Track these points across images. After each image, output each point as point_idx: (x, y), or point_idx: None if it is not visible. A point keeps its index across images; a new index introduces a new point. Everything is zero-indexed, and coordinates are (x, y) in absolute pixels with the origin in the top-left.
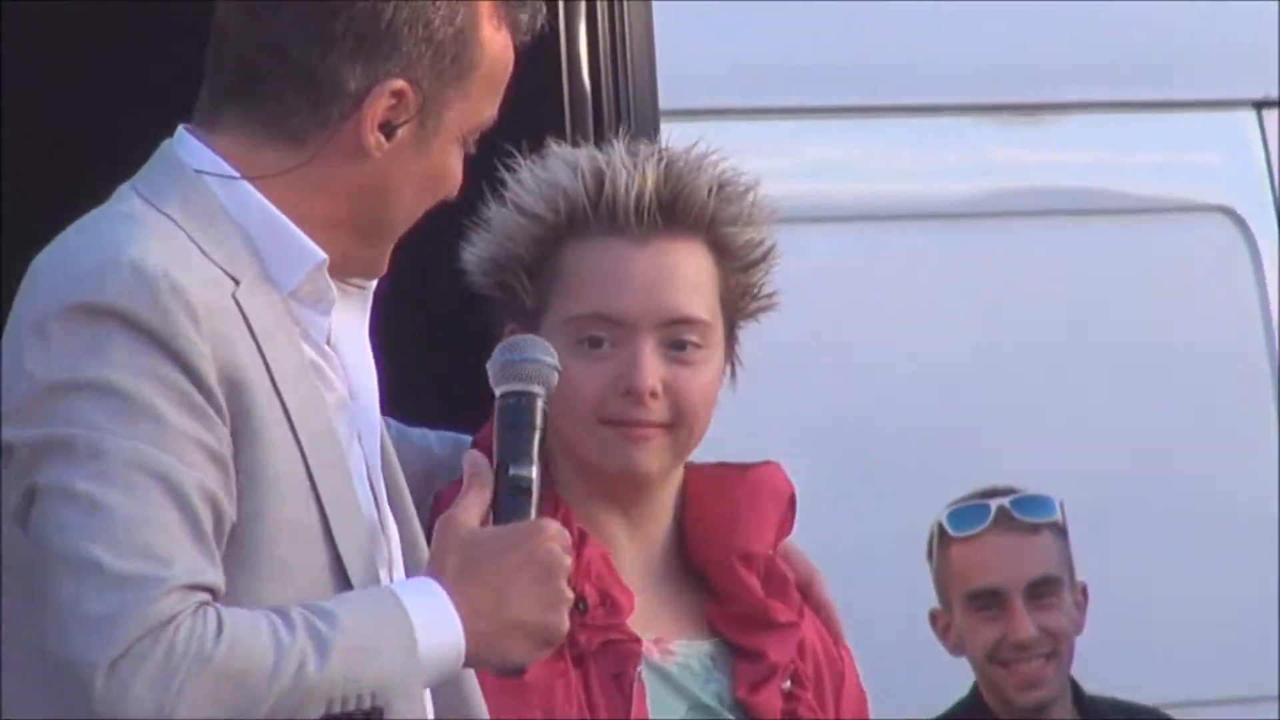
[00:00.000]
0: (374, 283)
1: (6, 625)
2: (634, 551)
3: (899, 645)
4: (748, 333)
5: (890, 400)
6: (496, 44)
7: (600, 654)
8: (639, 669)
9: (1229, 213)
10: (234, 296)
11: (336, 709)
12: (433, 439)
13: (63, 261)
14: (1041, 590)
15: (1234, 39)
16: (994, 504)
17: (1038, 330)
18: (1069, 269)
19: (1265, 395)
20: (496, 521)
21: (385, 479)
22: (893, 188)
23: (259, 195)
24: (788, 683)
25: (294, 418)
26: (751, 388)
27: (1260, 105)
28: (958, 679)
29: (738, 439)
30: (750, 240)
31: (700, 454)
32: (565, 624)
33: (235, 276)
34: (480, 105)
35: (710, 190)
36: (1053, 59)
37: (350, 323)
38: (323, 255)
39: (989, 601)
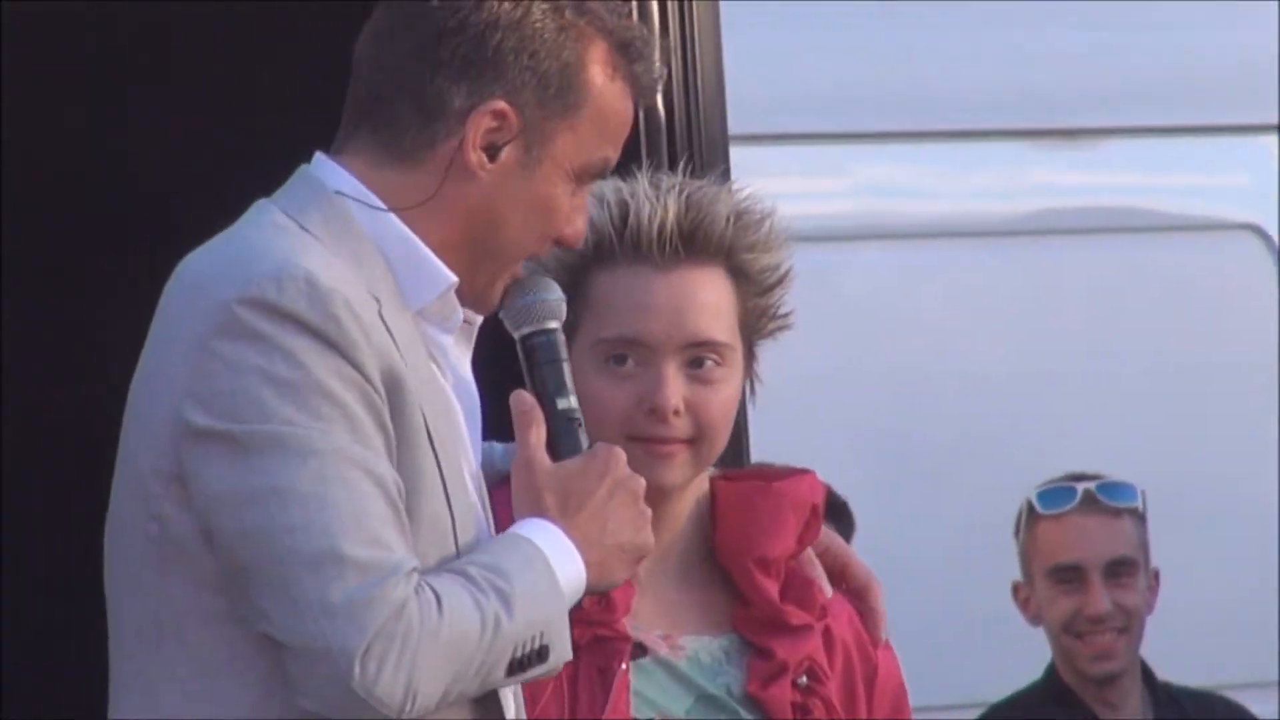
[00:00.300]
0: (480, 319)
1: (157, 607)
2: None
3: (940, 630)
4: (804, 342)
5: (936, 404)
6: (609, 90)
7: (589, 649)
8: (624, 665)
9: (1255, 229)
10: (380, 314)
11: (519, 653)
12: (498, 450)
13: (229, 263)
14: (1119, 570)
15: (1259, 68)
16: (1081, 487)
17: (1077, 340)
18: (1106, 283)
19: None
20: (555, 454)
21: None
22: (942, 207)
23: (397, 220)
24: (803, 679)
25: (430, 425)
26: (807, 393)
27: None
28: (995, 657)
29: (796, 442)
30: (767, 265)
31: (761, 456)
32: (652, 540)
33: (376, 296)
34: (590, 144)
35: (729, 219)
36: (1090, 86)
37: (458, 353)
38: (454, 278)
39: (1069, 576)
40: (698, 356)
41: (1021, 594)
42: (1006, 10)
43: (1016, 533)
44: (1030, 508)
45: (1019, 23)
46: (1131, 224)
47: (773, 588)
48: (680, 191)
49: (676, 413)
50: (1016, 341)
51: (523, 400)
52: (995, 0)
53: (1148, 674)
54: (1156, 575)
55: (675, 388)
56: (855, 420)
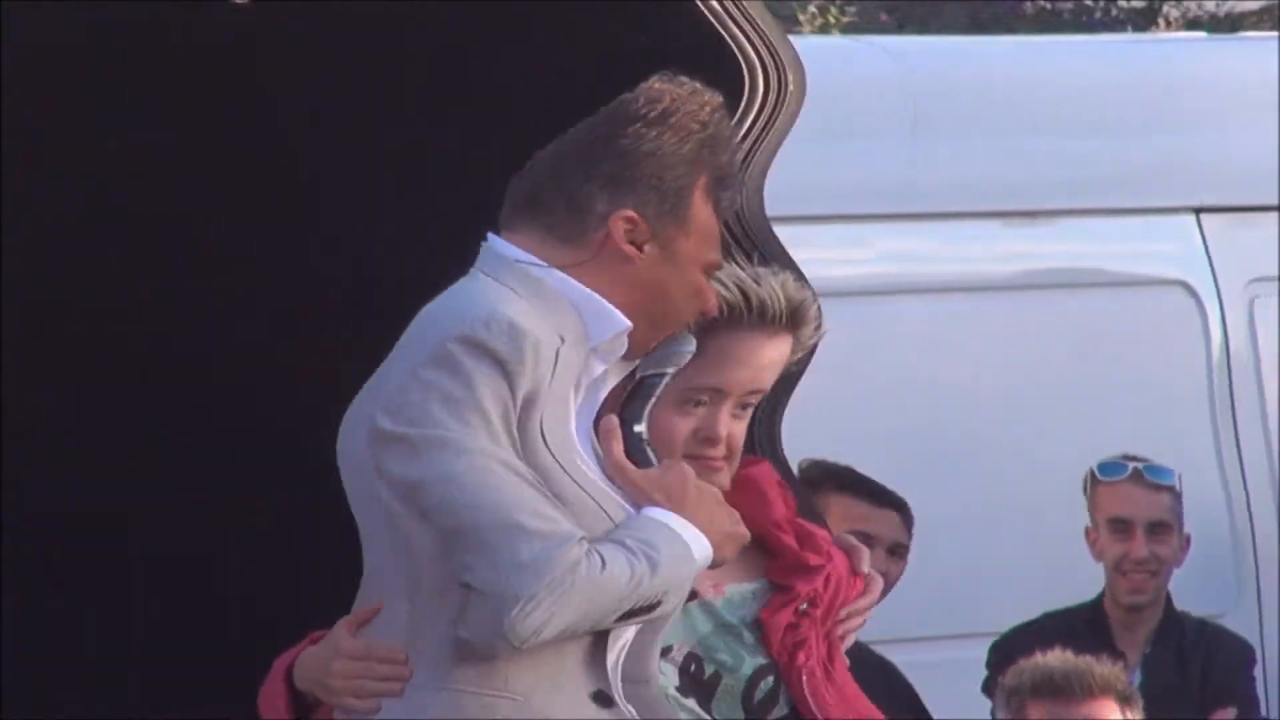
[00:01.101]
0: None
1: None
2: None
3: (959, 573)
4: (862, 367)
5: (950, 414)
6: (703, 212)
7: None
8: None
9: (1184, 285)
10: (558, 351)
11: (645, 603)
12: None
13: (456, 308)
14: (1157, 529)
15: (1179, 163)
16: (1131, 465)
17: (1047, 370)
18: (1067, 326)
19: (1202, 417)
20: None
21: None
22: (939, 269)
23: (572, 278)
24: (804, 605)
25: (545, 431)
26: (857, 409)
27: (1198, 211)
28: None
29: (856, 448)
30: (814, 342)
31: (829, 456)
32: (748, 532)
33: (563, 335)
34: (702, 249)
35: (810, 301)
36: (1052, 179)
37: (610, 380)
38: (628, 323)
39: (1121, 528)
40: (747, 401)
41: (1090, 536)
42: (986, 122)
43: (1084, 491)
44: (1092, 475)
45: (997, 131)
46: (1086, 281)
47: (791, 540)
48: (788, 277)
49: (719, 443)
50: (999, 369)
51: (610, 420)
52: (977, 115)
53: (1169, 606)
54: (1188, 539)
55: (726, 425)
56: (888, 424)
